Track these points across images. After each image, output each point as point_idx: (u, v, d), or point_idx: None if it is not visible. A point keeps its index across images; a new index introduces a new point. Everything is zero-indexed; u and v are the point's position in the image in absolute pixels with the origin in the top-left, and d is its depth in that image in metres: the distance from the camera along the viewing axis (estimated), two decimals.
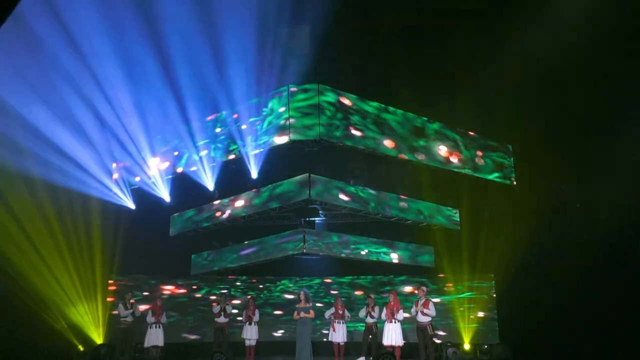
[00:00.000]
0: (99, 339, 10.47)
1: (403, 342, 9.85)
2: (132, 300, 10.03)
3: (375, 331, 10.99)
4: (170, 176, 10.31)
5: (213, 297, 12.23)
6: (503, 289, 11.11)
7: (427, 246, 11.37)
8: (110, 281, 11.54)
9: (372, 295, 11.49)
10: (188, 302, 12.46)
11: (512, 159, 11.10)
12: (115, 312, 10.01)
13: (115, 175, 10.84)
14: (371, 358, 10.48)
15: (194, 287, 12.63)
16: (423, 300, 9.75)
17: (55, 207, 10.37)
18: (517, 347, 9.38)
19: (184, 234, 10.93)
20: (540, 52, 8.92)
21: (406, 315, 10.54)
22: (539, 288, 9.96)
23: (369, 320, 11.10)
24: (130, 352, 10.08)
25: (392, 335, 9.80)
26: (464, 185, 10.65)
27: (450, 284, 11.79)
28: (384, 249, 10.73)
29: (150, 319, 10.19)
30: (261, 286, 13.26)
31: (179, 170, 10.04)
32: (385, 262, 10.85)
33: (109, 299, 11.31)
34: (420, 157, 9.78)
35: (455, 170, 10.30)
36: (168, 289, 12.38)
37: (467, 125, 10.61)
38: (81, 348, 10.11)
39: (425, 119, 10.11)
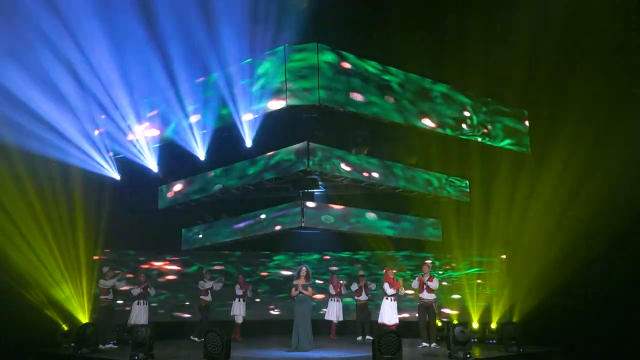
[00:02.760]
0: (84, 318, 10.65)
1: (397, 322, 10.06)
2: (117, 271, 10.21)
3: (369, 309, 11.28)
4: (157, 144, 10.29)
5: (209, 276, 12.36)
6: (515, 265, 11.26)
7: (433, 219, 11.47)
8: (95, 257, 11.67)
9: (362, 272, 11.74)
10: (179, 279, 12.63)
11: (527, 124, 11.09)
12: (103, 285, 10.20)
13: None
14: (368, 337, 10.73)
15: (185, 263, 12.80)
16: (428, 276, 9.95)
17: (33, 178, 10.40)
18: (529, 326, 9.57)
19: (173, 206, 11.00)
20: (558, 11, 8.83)
21: (409, 292, 10.76)
22: (552, 264, 10.09)
23: (362, 298, 11.36)
24: (115, 332, 10.31)
25: (393, 314, 10.01)
26: (475, 154, 10.67)
27: (458, 260, 11.95)
28: (388, 223, 10.83)
29: (135, 291, 10.40)
30: (256, 262, 13.44)
31: (166, 137, 10.02)
32: (389, 237, 10.97)
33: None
34: (427, 123, 9.77)
35: (465, 137, 10.30)
36: (157, 265, 12.53)
37: (477, 88, 10.55)
38: (65, 327, 10.29)
39: (431, 80, 10.05)
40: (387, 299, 10.19)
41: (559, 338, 9.50)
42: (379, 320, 10.14)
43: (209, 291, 11.28)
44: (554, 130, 10.18)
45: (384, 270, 10.49)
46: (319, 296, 12.23)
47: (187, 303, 12.44)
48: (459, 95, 10.38)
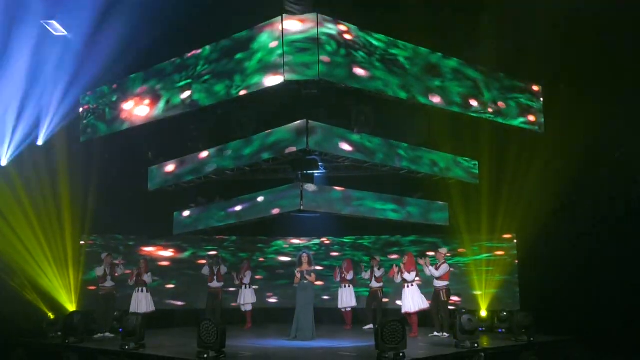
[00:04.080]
0: (71, 306, 10.75)
1: (424, 306, 10.09)
2: (117, 261, 10.29)
3: (381, 297, 11.34)
4: (146, 122, 10.26)
5: (202, 262, 12.47)
6: (526, 250, 11.30)
7: (441, 202, 11.50)
8: (82, 242, 11.73)
9: (378, 258, 11.77)
10: (171, 265, 12.72)
11: (541, 102, 11.04)
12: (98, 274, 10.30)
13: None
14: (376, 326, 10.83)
15: (178, 248, 12.87)
16: (440, 263, 10.06)
17: (15, 160, 10.44)
18: (540, 314, 9.64)
19: (164, 188, 11.03)
20: None
21: (418, 279, 10.79)
22: (566, 250, 10.13)
23: (374, 284, 11.43)
24: (110, 320, 10.42)
25: (411, 301, 10.07)
26: (485, 133, 10.64)
27: (467, 245, 12.01)
28: (392, 206, 10.86)
29: (131, 281, 10.52)
30: (253, 247, 13.52)
31: (156, 114, 9.98)
32: (393, 221, 11.01)
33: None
34: (435, 100, 9.72)
35: (475, 115, 10.26)
36: (148, 250, 12.60)
37: (489, 63, 10.48)
38: (52, 316, 10.39)
39: (441, 55, 9.98)
40: (404, 286, 10.23)
41: (572, 326, 9.57)
42: (402, 310, 10.16)
43: (215, 277, 11.38)
44: (570, 108, 10.14)
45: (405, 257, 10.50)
46: (318, 283, 12.29)
47: (181, 290, 12.55)
48: (470, 70, 10.31)
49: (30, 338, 9.79)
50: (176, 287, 12.62)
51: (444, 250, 10.43)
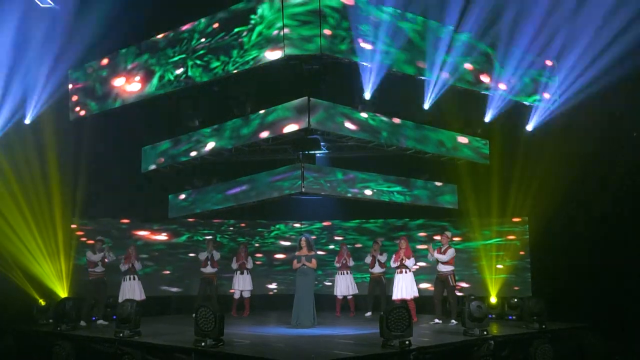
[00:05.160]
0: (62, 292, 10.84)
1: (416, 294, 10.22)
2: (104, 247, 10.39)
3: (384, 283, 11.43)
4: (138, 99, 10.23)
5: (198, 248, 12.53)
6: (538, 234, 11.32)
7: (449, 184, 11.51)
8: (73, 225, 11.79)
9: (380, 241, 11.82)
10: (166, 249, 12.79)
11: (556, 77, 10.98)
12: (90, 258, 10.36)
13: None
14: (381, 313, 10.92)
15: (173, 232, 12.93)
16: (445, 247, 10.10)
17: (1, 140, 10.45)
18: (552, 300, 9.70)
19: (158, 170, 11.05)
20: None
21: (422, 264, 10.88)
22: (580, 233, 10.16)
23: (376, 270, 11.51)
24: (103, 307, 10.52)
25: (403, 287, 10.19)
26: (497, 111, 10.60)
27: (476, 229, 12.04)
28: (398, 188, 10.88)
29: (123, 267, 10.59)
30: (252, 232, 13.58)
31: (148, 92, 9.96)
32: (399, 204, 11.03)
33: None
34: (445, 76, 9.68)
35: (487, 92, 10.23)
36: (142, 234, 12.67)
37: (502, 37, 10.39)
38: (43, 302, 10.49)
39: (452, 28, 9.90)
40: (399, 272, 10.35)
41: (586, 313, 9.64)
42: (393, 297, 10.28)
43: (209, 262, 11.47)
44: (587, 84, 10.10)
45: (400, 240, 10.60)
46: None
47: (176, 276, 12.64)
48: (482, 45, 10.23)
49: (19, 325, 9.88)
50: (172, 272, 12.70)
51: (449, 234, 10.49)
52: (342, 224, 13.49)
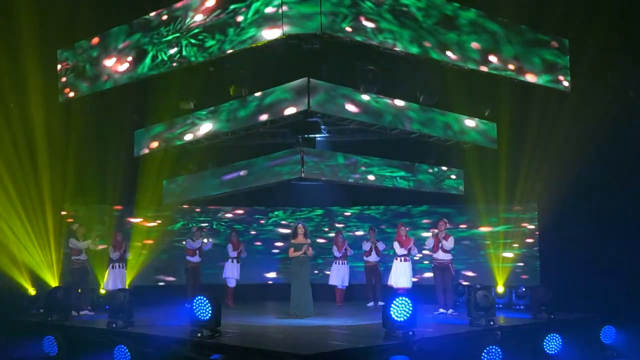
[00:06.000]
0: (53, 281, 10.87)
1: (409, 285, 10.29)
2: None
3: (380, 272, 11.52)
4: (130, 80, 10.19)
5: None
6: (547, 221, 11.35)
7: (455, 169, 11.51)
8: (63, 212, 11.79)
9: (373, 228, 11.88)
10: (160, 237, 12.80)
11: (567, 57, 10.92)
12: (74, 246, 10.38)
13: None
14: (380, 303, 11.00)
15: (167, 219, 12.94)
16: (444, 234, 10.12)
17: None
18: (562, 289, 9.73)
19: (152, 154, 11.03)
20: None
21: (425, 252, 10.89)
22: (591, 221, 10.18)
23: (372, 259, 11.58)
24: (90, 296, 10.55)
25: (403, 275, 10.24)
26: (505, 92, 10.57)
27: (483, 215, 12.06)
28: (402, 173, 10.88)
29: (113, 255, 10.62)
30: (250, 219, 13.60)
31: (141, 72, 9.92)
32: (403, 189, 11.04)
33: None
34: (451, 55, 9.63)
35: (495, 72, 10.17)
36: (135, 221, 12.68)
37: (511, 14, 10.34)
38: (33, 292, 10.53)
39: (458, 5, 9.84)
40: (397, 259, 10.43)
41: (596, 303, 9.68)
42: (388, 282, 10.41)
43: (197, 251, 11.49)
44: (600, 64, 10.04)
45: (398, 227, 10.68)
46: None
47: (170, 265, 12.68)
48: (490, 23, 10.16)
49: (8, 315, 9.92)
50: (166, 261, 12.73)
51: (446, 220, 10.49)
52: (343, 210, 13.50)
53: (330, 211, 13.61)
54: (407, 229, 10.77)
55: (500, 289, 11.37)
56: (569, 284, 10.09)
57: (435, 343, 7.33)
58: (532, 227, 11.83)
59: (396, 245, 10.49)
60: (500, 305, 10.83)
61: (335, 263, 11.94)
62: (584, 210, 10.32)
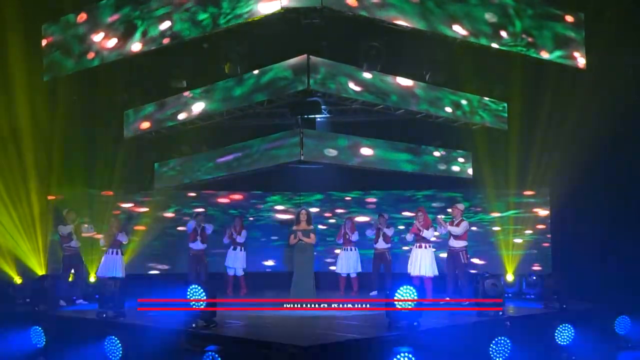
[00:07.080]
0: (40, 269, 10.90)
1: (436, 273, 10.18)
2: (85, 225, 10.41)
3: (389, 259, 11.48)
4: (119, 57, 10.14)
5: (186, 219, 12.54)
6: (560, 206, 11.37)
7: (463, 151, 11.48)
8: (50, 197, 11.78)
9: (386, 215, 11.83)
10: (152, 223, 12.81)
11: (583, 32, 10.86)
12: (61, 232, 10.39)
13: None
14: (373, 293, 11.03)
15: (159, 204, 12.93)
16: (458, 221, 10.08)
17: None
18: (574, 278, 9.77)
19: (143, 136, 11.00)
20: None
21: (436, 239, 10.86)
22: (605, 206, 10.19)
23: (380, 245, 11.54)
24: (83, 283, 10.59)
25: (423, 264, 10.12)
26: (516, 70, 10.52)
27: (492, 200, 12.07)
28: (407, 156, 10.86)
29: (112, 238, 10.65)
30: (246, 204, 13.60)
31: (132, 48, 9.86)
32: (408, 173, 11.03)
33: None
34: (458, 30, 9.57)
35: (505, 48, 10.11)
36: (125, 206, 12.67)
37: None
38: (19, 280, 10.56)
39: None
40: (418, 246, 10.26)
41: (610, 292, 9.71)
42: (412, 274, 10.20)
43: (199, 237, 11.38)
44: (619, 40, 9.98)
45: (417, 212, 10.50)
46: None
47: (163, 252, 12.70)
48: None
49: None
50: (158, 248, 12.74)
51: (461, 206, 10.37)
52: (344, 194, 13.49)
53: (330, 195, 13.59)
54: (422, 214, 10.41)
55: (509, 277, 11.41)
56: (583, 272, 10.11)
57: (440, 334, 7.36)
58: (544, 213, 11.82)
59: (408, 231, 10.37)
60: (510, 295, 10.88)
61: (344, 250, 11.93)
62: (598, 195, 10.32)
